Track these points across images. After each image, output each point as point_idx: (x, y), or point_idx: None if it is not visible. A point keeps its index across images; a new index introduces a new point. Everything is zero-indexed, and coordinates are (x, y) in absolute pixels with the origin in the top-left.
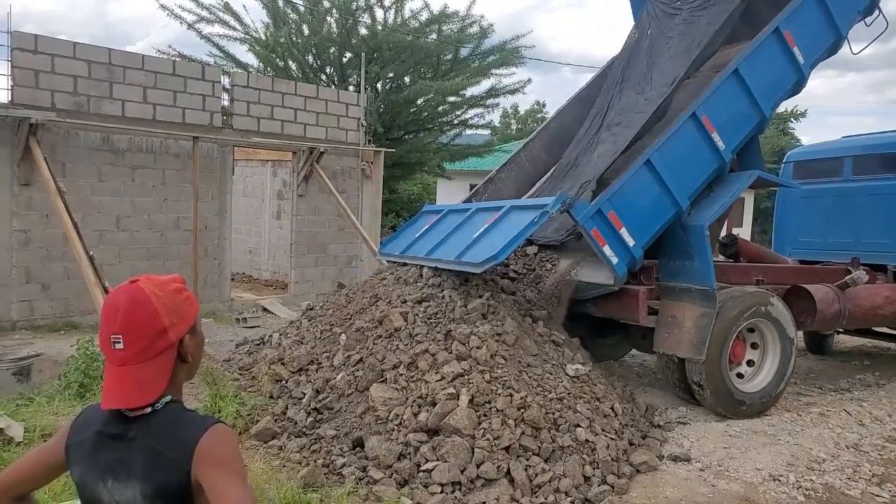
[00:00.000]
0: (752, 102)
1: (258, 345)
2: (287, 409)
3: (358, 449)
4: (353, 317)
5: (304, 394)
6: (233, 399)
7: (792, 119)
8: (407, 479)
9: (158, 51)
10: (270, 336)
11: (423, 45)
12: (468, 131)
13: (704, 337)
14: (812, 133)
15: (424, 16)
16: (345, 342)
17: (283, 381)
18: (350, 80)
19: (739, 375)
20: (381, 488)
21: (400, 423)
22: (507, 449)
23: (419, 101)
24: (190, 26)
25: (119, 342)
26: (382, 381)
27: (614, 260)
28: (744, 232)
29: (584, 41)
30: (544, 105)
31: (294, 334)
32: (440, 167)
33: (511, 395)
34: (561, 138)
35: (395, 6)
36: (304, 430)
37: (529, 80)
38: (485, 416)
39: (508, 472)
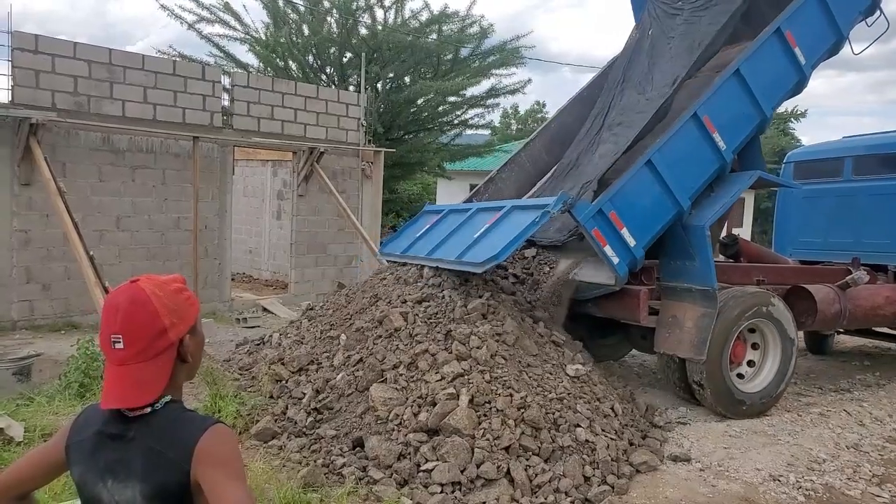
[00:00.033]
0: (754, 102)
1: (258, 345)
2: (287, 408)
3: (358, 449)
4: (353, 317)
5: (304, 394)
6: (233, 399)
7: (792, 119)
8: (407, 479)
9: (158, 51)
10: (270, 336)
11: (423, 45)
12: (468, 131)
13: (705, 337)
14: (812, 133)
15: (424, 16)
16: (345, 342)
17: (283, 381)
18: (350, 80)
19: (740, 376)
20: (381, 488)
21: (400, 423)
22: (507, 449)
23: (419, 101)
24: (190, 26)
25: (119, 342)
26: (382, 381)
27: (615, 260)
28: (744, 232)
29: (584, 41)
30: (544, 105)
31: (294, 334)
32: (440, 167)
33: (511, 395)
34: (562, 138)
35: (395, 6)
36: (304, 430)
37: (529, 80)
38: (485, 416)
39: (508, 472)
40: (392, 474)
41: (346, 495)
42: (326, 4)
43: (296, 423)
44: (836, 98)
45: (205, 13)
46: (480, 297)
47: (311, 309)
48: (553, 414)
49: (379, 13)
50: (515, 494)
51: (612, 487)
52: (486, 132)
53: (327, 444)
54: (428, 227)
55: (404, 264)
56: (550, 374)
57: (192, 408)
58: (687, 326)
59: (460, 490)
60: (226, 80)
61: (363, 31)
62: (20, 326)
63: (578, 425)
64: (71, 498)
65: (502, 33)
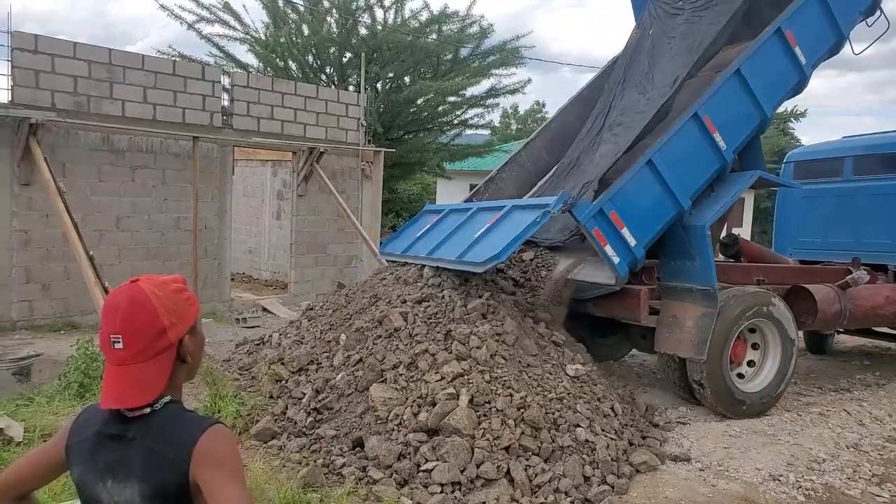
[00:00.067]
0: (754, 102)
1: (258, 345)
2: (287, 409)
3: (358, 449)
4: (353, 317)
5: (304, 394)
6: (233, 399)
7: (792, 119)
8: (407, 479)
9: (158, 51)
10: (270, 336)
11: (423, 45)
12: (468, 131)
13: (706, 337)
14: (812, 133)
15: (424, 16)
16: (345, 342)
17: (283, 381)
18: (350, 80)
19: (740, 375)
20: (380, 488)
21: (400, 423)
22: (506, 449)
23: (419, 101)
24: (190, 26)
25: (118, 342)
26: (382, 381)
27: (616, 259)
28: (744, 232)
29: (584, 41)
30: (544, 105)
31: (294, 334)
32: (440, 167)
33: (511, 395)
34: (562, 138)
35: (395, 6)
36: (304, 430)
37: (529, 80)
38: (485, 416)
39: (508, 472)
40: (392, 474)
41: (346, 495)
42: (326, 4)
43: (296, 423)
44: (835, 98)
45: (204, 13)
46: (480, 297)
47: (311, 309)
48: (553, 414)
49: (379, 13)
50: (515, 494)
51: (612, 487)
52: (486, 132)
53: (327, 444)
54: (428, 226)
55: (405, 264)
56: (550, 373)
57: (192, 408)
58: (687, 326)
59: (460, 490)
60: (225, 80)
61: (363, 31)
62: (20, 326)
63: (578, 425)
64: (71, 498)
65: (502, 33)
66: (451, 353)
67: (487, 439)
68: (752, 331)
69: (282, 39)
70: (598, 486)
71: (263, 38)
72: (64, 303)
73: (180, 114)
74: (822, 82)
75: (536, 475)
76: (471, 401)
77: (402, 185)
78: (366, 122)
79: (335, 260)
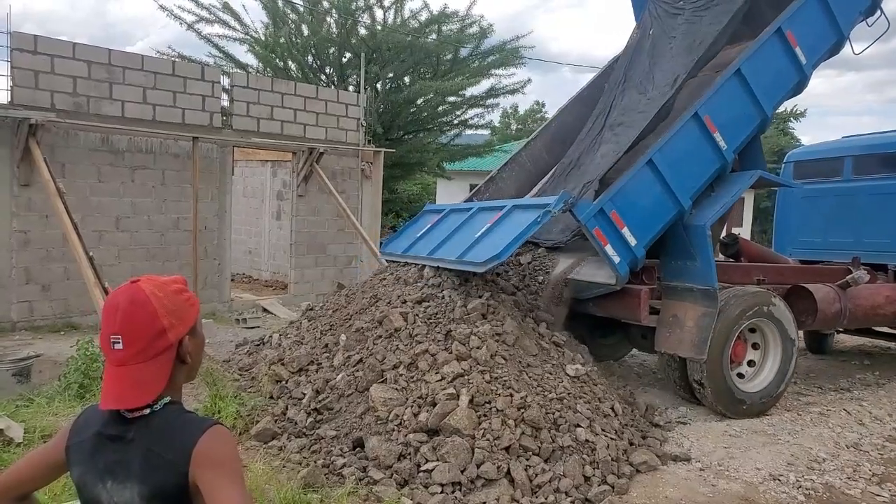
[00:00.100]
0: (754, 102)
1: (258, 345)
2: (287, 409)
3: (358, 449)
4: (353, 317)
5: (304, 394)
6: (233, 399)
7: (792, 119)
8: (407, 480)
9: (158, 51)
10: (270, 336)
11: (423, 46)
12: (468, 131)
13: (706, 336)
14: (812, 133)
15: (424, 16)
16: (345, 342)
17: (283, 382)
18: (350, 80)
19: (740, 375)
20: (381, 489)
21: (400, 424)
22: (507, 449)
23: (419, 102)
24: (189, 27)
25: (118, 342)
26: (382, 382)
27: (616, 259)
28: (744, 232)
29: (584, 41)
30: (544, 105)
31: (294, 335)
32: (440, 167)
33: (511, 395)
34: (562, 137)
35: (394, 6)
36: (304, 430)
37: (529, 81)
38: (485, 416)
39: (508, 472)
40: (392, 474)
41: (347, 496)
42: (326, 4)
43: (296, 423)
44: (835, 98)
45: (204, 13)
46: (480, 297)
47: (311, 309)
48: (553, 414)
49: (378, 13)
50: (515, 494)
51: (613, 487)
52: (486, 132)
53: (327, 445)
54: (429, 226)
55: (405, 264)
56: (550, 373)
57: (192, 408)
58: (688, 326)
59: (460, 490)
60: (225, 81)
61: (362, 31)
62: (20, 327)
63: (578, 425)
64: (71, 499)
65: (502, 33)
66: (451, 353)
67: (488, 439)
68: (753, 330)
69: (281, 40)
70: (599, 486)
71: (263, 38)
72: (64, 303)
73: (180, 114)
74: (822, 82)
75: (537, 475)
76: (471, 401)
77: (402, 186)
78: (365, 123)
79: (335, 260)
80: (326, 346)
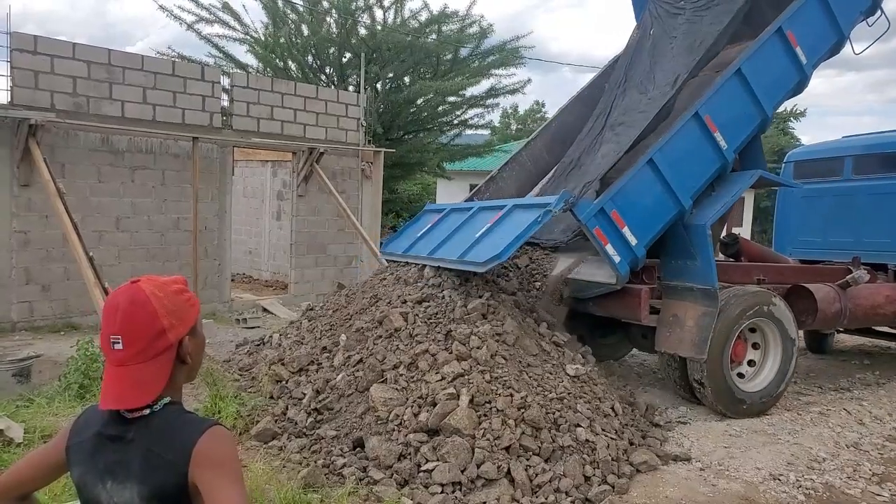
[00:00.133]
0: (755, 102)
1: (258, 345)
2: (287, 409)
3: (358, 449)
4: (353, 317)
5: (305, 394)
6: (233, 400)
7: (792, 118)
8: (407, 480)
9: (158, 52)
10: (270, 336)
11: (423, 46)
12: (468, 131)
13: (706, 336)
14: (812, 132)
15: (424, 16)
16: (345, 342)
17: (284, 382)
18: (350, 80)
19: (740, 375)
20: (381, 489)
21: (400, 424)
22: (507, 449)
23: (419, 102)
24: (189, 27)
25: (118, 342)
26: (383, 382)
27: (616, 259)
28: (744, 231)
29: (584, 41)
30: (544, 105)
31: (294, 335)
32: (440, 167)
33: (511, 395)
34: (563, 137)
35: (394, 6)
36: (305, 430)
37: (529, 81)
38: (485, 416)
39: (509, 472)
40: (392, 475)
41: (347, 496)
42: (325, 4)
43: (296, 423)
44: (835, 97)
45: (204, 13)
46: (480, 297)
47: (311, 309)
48: (553, 414)
49: (378, 13)
50: (516, 494)
51: (613, 487)
52: (486, 132)
53: (328, 445)
54: (429, 226)
55: (405, 264)
56: (551, 373)
57: (191, 408)
58: (688, 325)
59: (461, 490)
60: (225, 81)
61: (362, 31)
62: (20, 328)
63: (579, 425)
64: (71, 499)
65: (502, 33)
66: (451, 353)
67: (488, 439)
68: (753, 330)
69: (281, 40)
70: (599, 485)
71: (263, 38)
72: (64, 304)
73: (180, 114)
74: (822, 82)
75: (537, 475)
76: (471, 401)
77: (402, 186)
78: (365, 123)
79: (335, 260)
80: (324, 348)
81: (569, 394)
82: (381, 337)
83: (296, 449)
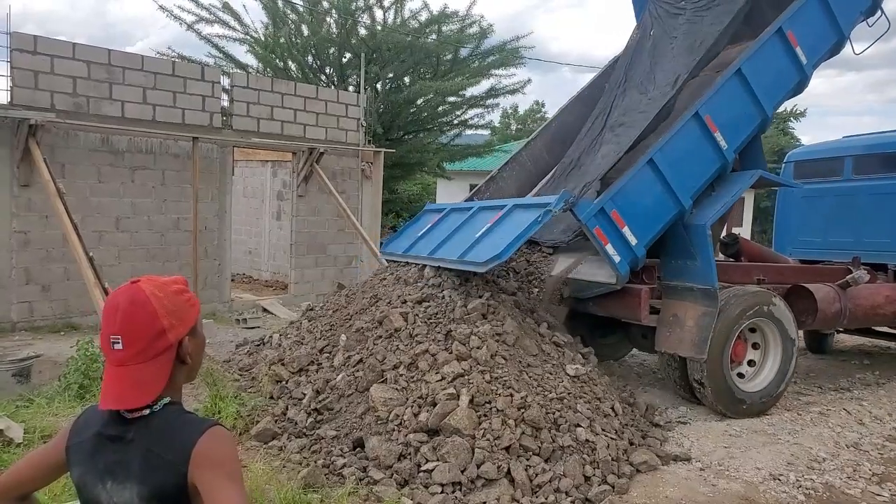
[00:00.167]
0: (755, 102)
1: (258, 345)
2: (287, 409)
3: (358, 449)
4: (353, 317)
5: (305, 394)
6: (233, 400)
7: (792, 118)
8: (407, 480)
9: (158, 52)
10: (270, 337)
11: (423, 46)
12: (468, 131)
13: (706, 336)
14: (812, 133)
15: (424, 16)
16: (345, 342)
17: (284, 382)
18: (350, 80)
19: (740, 375)
20: (381, 489)
21: (400, 424)
22: (507, 449)
23: (419, 102)
24: (189, 27)
25: (118, 342)
26: (383, 382)
27: (617, 258)
28: (744, 231)
29: (584, 41)
30: (544, 105)
31: (294, 335)
32: (440, 167)
33: (511, 395)
34: (563, 137)
35: (394, 6)
36: (305, 430)
37: (529, 81)
38: (485, 416)
39: (509, 472)
40: (392, 475)
41: (347, 496)
42: (325, 5)
43: (296, 423)
44: (835, 97)
45: (204, 14)
46: (480, 297)
47: (311, 309)
48: (553, 414)
49: (378, 13)
50: (516, 494)
51: (613, 487)
52: (486, 132)
53: (327, 445)
54: (429, 226)
55: (405, 264)
56: (551, 373)
57: (191, 409)
58: (688, 325)
59: (461, 490)
60: (225, 81)
61: (362, 31)
62: (20, 328)
63: (579, 425)
64: (71, 499)
65: (502, 33)
66: (451, 353)
67: (488, 439)
68: (753, 330)
69: (281, 40)
70: (599, 485)
71: (263, 38)
72: (64, 304)
73: (180, 114)
74: (822, 82)
75: (537, 475)
76: (471, 401)
77: (402, 186)
78: (365, 123)
79: (335, 260)
80: (324, 348)
81: (569, 394)
82: (381, 337)
83: (296, 449)
